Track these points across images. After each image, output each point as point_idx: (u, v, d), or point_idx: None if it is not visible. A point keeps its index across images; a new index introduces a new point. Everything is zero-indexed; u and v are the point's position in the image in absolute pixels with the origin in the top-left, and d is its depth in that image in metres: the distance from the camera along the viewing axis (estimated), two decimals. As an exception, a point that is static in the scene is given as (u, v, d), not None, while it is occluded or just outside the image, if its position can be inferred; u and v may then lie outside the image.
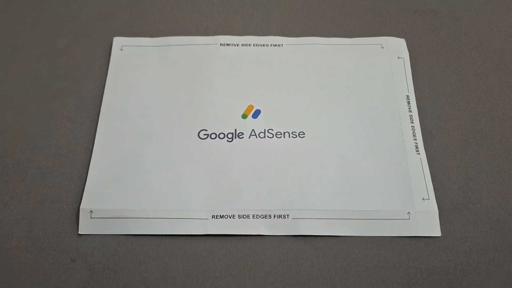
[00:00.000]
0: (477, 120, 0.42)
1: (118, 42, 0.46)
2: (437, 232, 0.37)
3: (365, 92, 0.43)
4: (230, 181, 0.39)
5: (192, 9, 0.49)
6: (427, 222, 0.37)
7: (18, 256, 0.37)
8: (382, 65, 0.45)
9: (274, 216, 0.38)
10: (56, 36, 0.47)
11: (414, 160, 0.40)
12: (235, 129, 0.41)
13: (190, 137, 0.41)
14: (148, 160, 0.40)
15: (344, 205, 0.38)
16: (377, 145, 0.40)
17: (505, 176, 0.40)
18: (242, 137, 0.41)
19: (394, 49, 0.46)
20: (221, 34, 0.47)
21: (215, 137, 0.41)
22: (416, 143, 0.41)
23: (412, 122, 0.42)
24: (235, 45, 0.46)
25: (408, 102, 0.43)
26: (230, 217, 0.38)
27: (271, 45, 0.46)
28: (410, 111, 0.42)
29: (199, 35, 0.47)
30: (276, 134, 0.41)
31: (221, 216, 0.38)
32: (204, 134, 0.41)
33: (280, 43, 0.46)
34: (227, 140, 0.41)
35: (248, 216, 0.38)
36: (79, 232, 0.37)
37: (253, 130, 0.41)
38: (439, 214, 0.38)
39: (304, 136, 0.41)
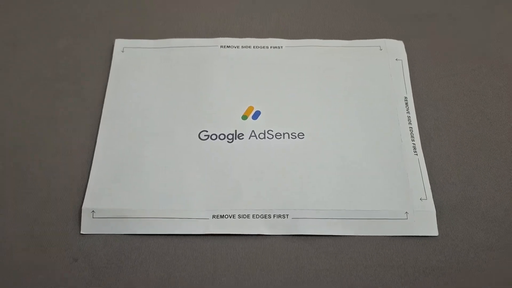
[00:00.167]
0: (473, 122, 0.43)
1: (119, 44, 0.46)
2: (434, 232, 0.38)
3: (363, 93, 0.43)
4: (230, 181, 0.39)
5: (192, 11, 0.49)
6: (424, 222, 0.38)
7: (20, 256, 0.37)
8: (380, 67, 0.45)
9: (274, 216, 0.38)
10: (56, 36, 0.47)
11: (412, 160, 0.40)
12: (235, 130, 0.42)
13: (191, 137, 0.41)
14: (150, 160, 0.40)
15: (343, 205, 0.38)
16: (376, 146, 0.41)
17: (501, 176, 0.40)
18: (242, 138, 0.41)
19: (393, 51, 0.46)
20: (221, 36, 0.47)
21: (216, 138, 0.41)
22: (414, 144, 0.41)
23: (410, 123, 0.42)
24: (235, 47, 0.46)
25: (406, 104, 0.43)
26: (230, 217, 0.38)
27: (271, 47, 0.46)
28: (408, 112, 0.43)
29: (200, 37, 0.47)
30: (276, 135, 0.41)
31: (222, 216, 0.38)
32: (205, 135, 0.41)
33: (279, 45, 0.46)
34: (228, 141, 0.41)
35: (248, 216, 0.38)
36: (81, 232, 0.38)
37: (253, 131, 0.42)
38: (437, 214, 0.38)
39: (303, 137, 0.41)
